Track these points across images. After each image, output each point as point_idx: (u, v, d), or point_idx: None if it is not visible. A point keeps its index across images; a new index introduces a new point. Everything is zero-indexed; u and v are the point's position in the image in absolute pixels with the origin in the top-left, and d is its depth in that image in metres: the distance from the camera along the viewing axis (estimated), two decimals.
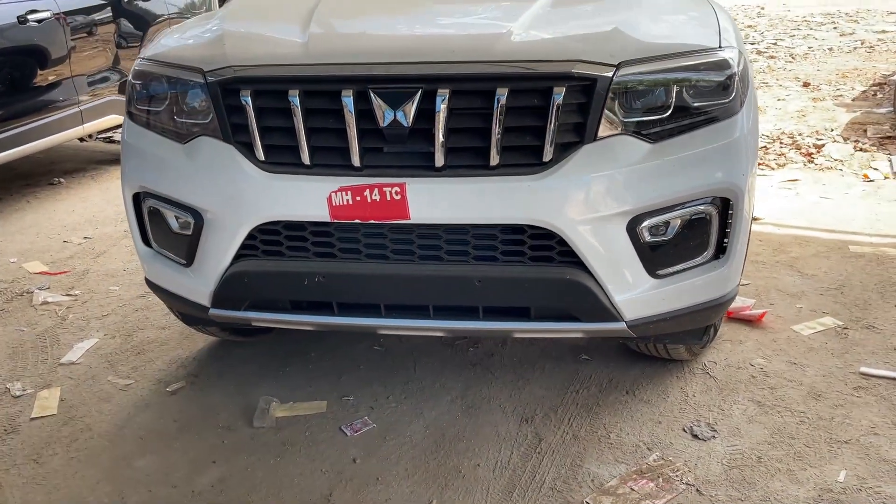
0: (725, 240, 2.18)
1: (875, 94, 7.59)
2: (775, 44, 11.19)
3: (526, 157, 2.03)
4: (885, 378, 2.66)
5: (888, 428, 2.39)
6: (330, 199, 2.06)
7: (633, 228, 2.06)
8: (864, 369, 2.71)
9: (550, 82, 1.97)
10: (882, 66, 9.15)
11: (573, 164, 2.00)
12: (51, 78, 4.98)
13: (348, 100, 2.01)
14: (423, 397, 2.68)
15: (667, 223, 2.10)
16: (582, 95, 2.00)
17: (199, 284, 2.29)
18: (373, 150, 2.07)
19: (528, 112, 2.01)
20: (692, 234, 2.13)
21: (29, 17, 4.78)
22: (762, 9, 15.42)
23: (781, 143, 5.99)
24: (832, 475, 2.19)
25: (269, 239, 2.17)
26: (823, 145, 5.87)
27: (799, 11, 14.70)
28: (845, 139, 6.01)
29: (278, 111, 2.10)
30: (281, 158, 2.12)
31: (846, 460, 2.25)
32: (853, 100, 7.44)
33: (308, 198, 2.08)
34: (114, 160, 6.25)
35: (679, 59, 2.06)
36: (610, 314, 2.10)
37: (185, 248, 2.30)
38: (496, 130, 1.98)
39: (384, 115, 2.01)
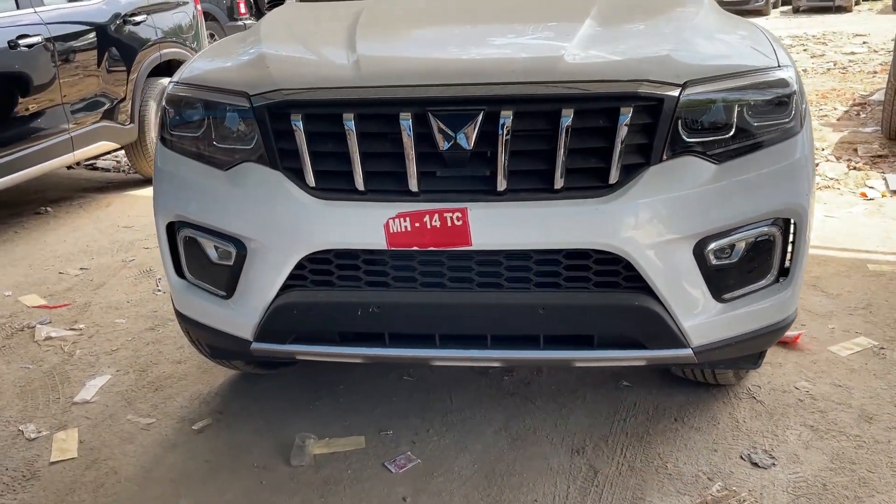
0: (788, 261, 2.13)
1: (858, 114, 7.73)
2: None
3: (591, 179, 1.96)
4: None
5: None
6: (387, 225, 1.97)
7: (699, 252, 2.00)
8: None
9: (617, 102, 1.92)
10: (858, 86, 9.35)
11: (640, 186, 1.94)
12: (41, 104, 4.82)
13: (407, 122, 1.93)
14: (464, 429, 2.58)
15: (732, 246, 2.05)
16: (648, 116, 1.94)
17: (241, 317, 2.17)
18: (430, 175, 1.99)
19: (593, 133, 1.95)
20: (757, 257, 2.08)
21: (20, 41, 4.63)
22: None
23: None
24: None
25: (319, 268, 2.07)
26: (818, 164, 5.93)
27: None
28: (837, 158, 6.09)
29: (331, 136, 2.01)
30: (333, 185, 2.03)
31: None
32: (838, 119, 7.56)
33: (363, 225, 1.99)
34: (100, 188, 6.08)
35: (743, 78, 2.02)
36: (677, 341, 2.03)
37: (226, 279, 2.19)
38: (561, 153, 1.91)
39: (444, 137, 1.93)
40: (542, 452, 2.44)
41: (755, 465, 2.32)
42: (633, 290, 2.00)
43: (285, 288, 2.09)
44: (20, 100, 4.68)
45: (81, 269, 4.31)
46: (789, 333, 3.07)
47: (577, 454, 2.42)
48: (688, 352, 2.07)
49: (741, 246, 2.06)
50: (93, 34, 5.29)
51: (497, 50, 2.14)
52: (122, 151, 6.04)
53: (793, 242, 2.12)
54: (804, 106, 2.13)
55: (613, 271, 1.99)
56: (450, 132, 1.93)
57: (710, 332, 2.07)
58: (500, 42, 2.20)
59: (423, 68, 2.08)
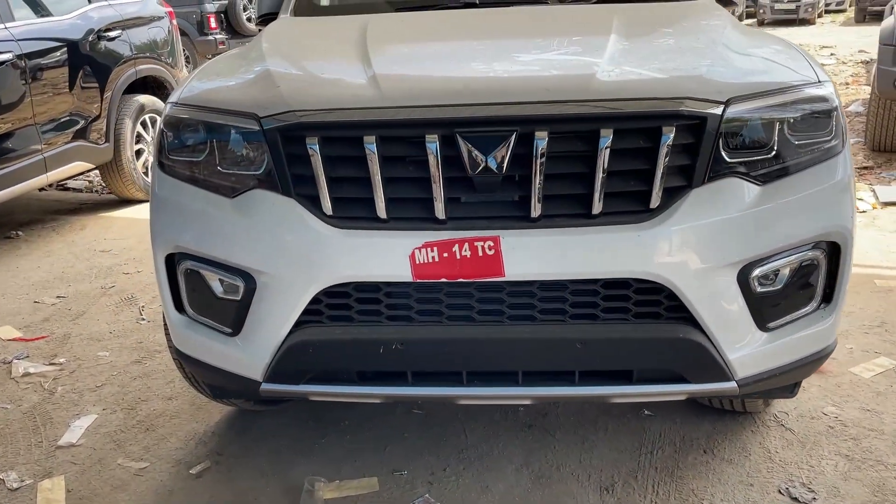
0: (832, 287, 2.03)
1: None
2: None
3: (631, 204, 1.84)
4: None
5: None
6: (413, 256, 1.82)
7: (743, 279, 1.89)
8: None
9: (658, 122, 1.80)
10: None
11: (683, 210, 1.83)
12: (11, 124, 4.60)
13: (433, 145, 1.79)
14: (483, 467, 2.43)
15: (776, 272, 1.94)
16: (690, 136, 1.83)
17: (250, 356, 2.00)
18: (458, 201, 1.85)
19: (633, 155, 1.83)
20: (801, 282, 1.98)
21: None
22: None
23: None
24: None
25: (336, 303, 1.92)
26: None
27: None
28: None
29: (350, 160, 1.86)
30: (352, 212, 1.88)
31: None
32: None
33: (386, 255, 1.84)
34: (73, 209, 5.84)
35: (785, 95, 1.92)
36: (722, 374, 1.91)
37: (232, 314, 2.02)
38: (599, 176, 1.79)
39: (474, 161, 1.79)
40: (570, 491, 2.30)
41: (795, 500, 2.21)
42: (676, 320, 1.88)
43: (299, 324, 1.93)
44: None
45: (58, 297, 4.08)
46: None
47: (606, 492, 2.29)
48: (732, 385, 1.95)
49: (785, 272, 1.95)
50: (65, 50, 5.07)
51: (524, 67, 2.01)
52: (95, 171, 5.80)
53: (835, 267, 2.01)
54: (844, 123, 2.03)
55: (655, 301, 1.87)
56: (480, 155, 1.79)
57: (754, 363, 1.95)
58: (525, 58, 2.07)
59: (449, 87, 1.93)
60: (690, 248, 1.83)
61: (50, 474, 2.51)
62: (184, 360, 2.22)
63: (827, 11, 25.31)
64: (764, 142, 1.90)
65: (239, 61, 2.31)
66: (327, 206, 1.87)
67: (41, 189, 6.10)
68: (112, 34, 5.51)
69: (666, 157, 1.79)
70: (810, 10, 22.74)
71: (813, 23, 22.87)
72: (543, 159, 1.78)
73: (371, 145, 1.81)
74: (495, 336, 1.89)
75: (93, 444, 2.67)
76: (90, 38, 5.30)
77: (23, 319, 3.80)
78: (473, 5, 2.84)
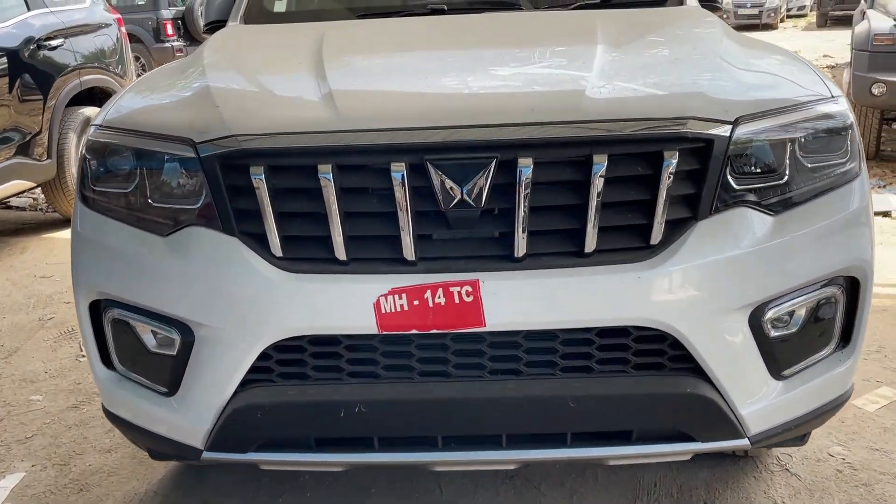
0: (850, 326, 1.80)
1: None
2: None
3: (628, 239, 1.60)
4: None
5: None
6: (378, 305, 1.56)
7: (756, 322, 1.65)
8: None
9: (659, 145, 1.56)
10: None
11: (688, 246, 1.59)
12: None
13: (399, 175, 1.52)
14: None
15: (791, 312, 1.71)
16: (694, 160, 1.59)
17: (188, 420, 1.72)
18: (430, 239, 1.60)
19: (630, 184, 1.59)
20: (818, 323, 1.75)
21: None
22: None
23: None
24: None
25: (288, 358, 1.65)
26: None
27: None
28: None
29: (302, 192, 1.59)
30: (306, 253, 1.61)
31: None
32: None
33: (347, 304, 1.57)
34: (14, 230, 5.46)
35: (799, 113, 1.69)
36: (734, 431, 1.67)
37: (168, 371, 1.74)
38: (593, 208, 1.54)
39: (448, 192, 1.54)
40: None
41: None
42: (682, 372, 1.64)
43: (245, 384, 1.65)
44: None
45: None
46: None
47: None
48: (744, 442, 1.71)
49: (801, 312, 1.72)
50: (2, 60, 4.70)
51: (503, 83, 1.75)
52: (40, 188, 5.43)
53: (853, 304, 1.79)
54: (860, 142, 1.81)
55: (657, 350, 1.63)
56: (455, 186, 1.53)
57: (768, 416, 1.72)
58: (503, 73, 1.81)
59: (417, 106, 1.67)
60: (697, 290, 1.59)
61: None
62: (115, 423, 1.93)
63: (789, 16, 25.61)
64: (775, 166, 1.68)
65: (175, 76, 2.02)
66: (276, 246, 1.60)
67: None
68: (54, 43, 5.15)
69: (668, 186, 1.55)
70: (773, 14, 22.96)
71: (776, 27, 23.09)
72: (528, 190, 1.53)
73: (326, 175, 1.54)
74: (475, 395, 1.62)
75: None
76: (30, 48, 4.94)
77: None
78: (442, 12, 2.59)
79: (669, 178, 1.55)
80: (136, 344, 1.77)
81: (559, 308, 1.57)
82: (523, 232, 1.55)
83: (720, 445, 1.71)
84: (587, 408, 1.61)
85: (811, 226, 1.68)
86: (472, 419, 1.64)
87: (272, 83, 1.88)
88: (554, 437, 1.69)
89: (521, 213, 1.54)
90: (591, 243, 1.56)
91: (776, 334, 1.69)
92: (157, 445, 1.86)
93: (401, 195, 1.53)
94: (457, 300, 1.55)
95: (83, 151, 1.82)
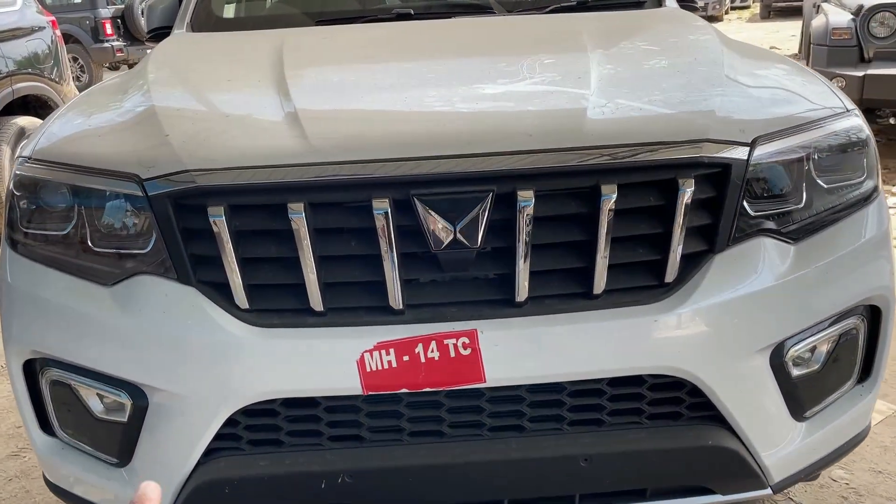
0: (870, 359, 1.67)
1: None
2: None
3: (640, 277, 1.43)
4: None
5: None
6: (362, 362, 1.36)
7: (777, 361, 1.50)
8: None
9: (673, 172, 1.39)
10: None
11: (707, 283, 1.43)
12: None
13: (382, 212, 1.33)
14: None
15: (813, 349, 1.57)
16: (710, 187, 1.43)
17: None
18: (417, 283, 1.40)
19: (642, 215, 1.42)
20: (840, 358, 1.61)
21: None
22: None
23: None
24: None
25: (259, 423, 1.44)
26: None
27: None
28: None
29: (269, 234, 1.38)
30: (276, 303, 1.40)
31: None
32: None
33: (326, 363, 1.38)
34: None
35: (817, 130, 1.54)
36: (758, 482, 1.52)
37: (118, 440, 1.51)
38: (602, 244, 1.37)
39: (438, 232, 1.34)
40: None
41: None
42: (700, 420, 1.48)
43: (210, 453, 1.44)
44: None
45: None
46: None
47: None
48: (766, 491, 1.56)
49: (823, 348, 1.58)
50: None
51: (493, 103, 1.55)
52: None
53: (875, 334, 1.65)
54: (877, 159, 1.67)
55: (674, 399, 1.46)
56: (446, 224, 1.34)
57: (791, 463, 1.57)
58: (492, 90, 1.62)
59: (398, 132, 1.46)
60: (719, 332, 1.43)
61: None
62: (58, 495, 1.69)
63: (733, 8, 25.93)
64: (793, 189, 1.53)
65: (116, 97, 1.78)
66: (241, 296, 1.39)
67: None
68: None
69: (684, 217, 1.39)
70: (717, 6, 23.20)
71: (721, 19, 23.33)
72: (530, 226, 1.35)
73: (298, 214, 1.33)
74: (474, 457, 1.44)
75: None
76: None
77: None
78: (408, 17, 2.38)
79: (685, 207, 1.38)
80: (79, 409, 1.54)
81: (568, 359, 1.39)
82: (525, 273, 1.36)
83: (740, 497, 1.56)
84: (600, 466, 1.44)
85: (834, 253, 1.53)
86: (472, 485, 1.45)
87: (228, 104, 1.65)
88: (561, 499, 1.51)
89: (522, 252, 1.35)
90: (600, 283, 1.39)
91: (798, 373, 1.54)
92: None
93: (384, 236, 1.34)
94: (452, 354, 1.36)
95: (10, 187, 1.58)
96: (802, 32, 8.46)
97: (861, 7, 5.69)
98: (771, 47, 14.57)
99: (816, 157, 1.54)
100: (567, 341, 1.39)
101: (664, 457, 1.45)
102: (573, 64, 1.73)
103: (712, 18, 23.21)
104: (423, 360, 1.36)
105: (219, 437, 1.42)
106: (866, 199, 1.60)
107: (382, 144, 1.39)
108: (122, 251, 1.46)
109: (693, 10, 2.54)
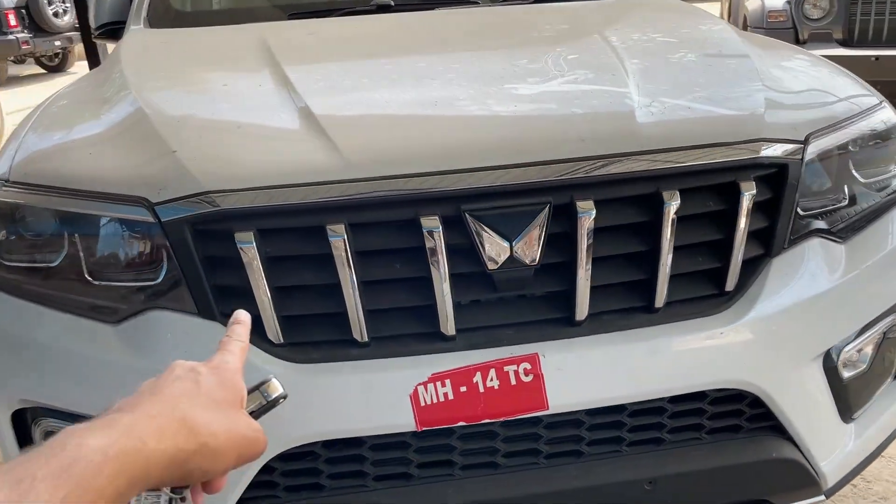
0: None
1: None
2: None
3: (700, 287, 1.35)
4: None
5: None
6: (416, 396, 1.23)
7: (830, 365, 1.46)
8: None
9: (734, 174, 1.31)
10: None
11: (767, 289, 1.36)
12: None
13: (433, 230, 1.20)
14: None
15: (860, 350, 1.53)
16: (766, 188, 1.36)
17: None
18: (472, 306, 1.29)
19: (700, 221, 1.34)
20: (883, 357, 1.58)
21: None
22: None
23: None
24: None
25: (297, 468, 1.30)
26: None
27: None
28: None
29: (303, 259, 1.24)
30: (314, 335, 1.26)
31: None
32: None
33: (375, 399, 1.25)
34: None
35: (860, 123, 1.50)
36: (815, 489, 1.47)
37: None
38: (665, 253, 1.28)
39: (494, 249, 1.23)
40: None
41: None
42: (759, 431, 1.42)
43: (243, 503, 1.29)
44: None
45: None
46: None
47: None
48: (820, 498, 1.52)
49: (869, 348, 1.54)
50: None
51: (533, 105, 1.42)
52: None
53: None
54: None
55: (735, 411, 1.40)
56: (502, 241, 1.22)
57: (842, 466, 1.53)
58: (526, 91, 1.47)
59: (443, 142, 1.33)
60: (782, 341, 1.37)
61: None
62: None
63: None
64: (839, 186, 1.48)
65: (95, 105, 1.57)
66: (275, 329, 1.24)
67: None
68: None
69: (747, 220, 1.31)
70: None
71: None
72: (590, 238, 1.24)
73: (339, 236, 1.19)
74: (533, 489, 1.33)
75: None
76: None
77: None
78: (389, 8, 2.24)
79: (748, 210, 1.31)
80: None
81: (633, 379, 1.30)
82: (586, 289, 1.26)
83: None
84: (665, 489, 1.36)
85: (881, 250, 1.49)
86: None
87: (235, 113, 1.47)
88: None
89: (583, 267, 1.25)
90: (661, 296, 1.30)
91: (848, 375, 1.50)
92: None
93: (436, 256, 1.21)
94: (513, 381, 1.25)
95: None
96: (725, 15, 8.60)
97: None
98: None
99: (858, 151, 1.50)
100: (631, 360, 1.30)
101: (729, 474, 1.38)
102: (598, 58, 1.63)
103: None
104: (481, 389, 1.25)
105: (254, 485, 1.27)
106: None
107: (426, 156, 1.26)
108: (129, 284, 1.29)
109: None
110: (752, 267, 1.37)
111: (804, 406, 1.42)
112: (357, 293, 1.22)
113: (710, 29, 1.87)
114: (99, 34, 2.44)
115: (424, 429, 1.25)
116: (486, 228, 1.22)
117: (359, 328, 1.23)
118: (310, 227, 1.21)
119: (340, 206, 1.21)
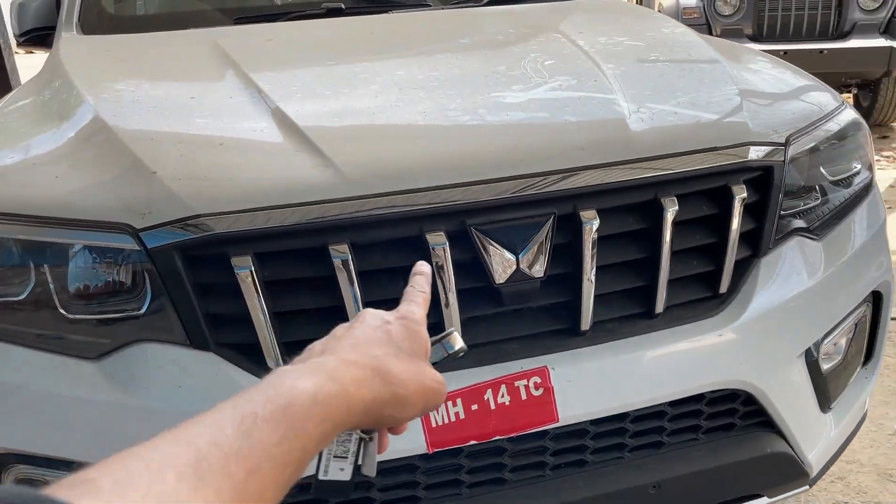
0: (871, 343, 1.72)
1: None
2: None
3: (695, 290, 1.37)
4: None
5: None
6: (427, 417, 1.20)
7: (812, 359, 1.51)
8: None
9: (726, 178, 1.33)
10: None
11: (758, 289, 1.39)
12: None
13: (439, 246, 1.17)
14: None
15: (835, 343, 1.58)
16: (753, 190, 1.39)
17: None
18: (479, 321, 1.26)
19: (694, 226, 1.35)
20: (854, 348, 1.64)
21: None
22: None
23: None
24: None
25: (300, 501, 1.23)
26: None
27: None
28: None
29: (303, 282, 1.18)
30: None
31: None
32: None
33: None
34: None
35: (829, 124, 1.55)
36: (803, 479, 1.52)
37: None
38: (664, 258, 1.29)
39: (501, 263, 1.20)
40: None
41: None
42: (752, 428, 1.45)
43: None
44: None
45: None
46: None
47: None
48: (805, 487, 1.57)
49: (842, 340, 1.60)
50: None
51: (524, 114, 1.38)
52: None
53: (876, 319, 1.70)
54: (872, 148, 1.71)
55: (729, 410, 1.42)
56: (509, 255, 1.20)
57: (823, 455, 1.58)
58: (512, 99, 1.42)
59: (443, 154, 1.28)
60: (773, 339, 1.40)
61: None
62: None
63: None
64: (813, 186, 1.53)
65: (49, 121, 1.44)
66: (275, 357, 1.17)
67: None
68: None
69: (739, 223, 1.34)
70: None
71: None
72: (594, 248, 1.24)
73: (343, 256, 1.14)
74: (540, 502, 1.31)
75: None
76: None
77: None
78: (340, 12, 2.17)
79: (739, 213, 1.33)
80: None
81: (639, 386, 1.30)
82: (590, 299, 1.25)
83: (782, 497, 1.55)
84: (670, 491, 1.37)
85: (854, 245, 1.55)
86: None
87: (211, 128, 1.38)
88: None
89: (588, 276, 1.24)
90: (661, 302, 1.31)
91: (826, 368, 1.56)
92: None
93: (443, 272, 1.17)
94: (524, 396, 1.23)
95: None
96: None
97: None
98: None
99: (824, 151, 1.55)
100: (636, 368, 1.30)
101: (728, 471, 1.41)
102: (574, 63, 1.62)
103: None
104: (493, 406, 1.22)
105: None
106: (868, 188, 1.64)
107: (427, 169, 1.22)
108: (109, 316, 1.19)
109: None
110: (743, 268, 1.39)
111: (790, 399, 1.46)
112: None
113: (672, 32, 1.89)
114: (27, 40, 2.27)
115: (435, 450, 1.21)
116: (492, 242, 1.19)
117: None
118: (311, 248, 1.16)
119: (344, 225, 1.15)
